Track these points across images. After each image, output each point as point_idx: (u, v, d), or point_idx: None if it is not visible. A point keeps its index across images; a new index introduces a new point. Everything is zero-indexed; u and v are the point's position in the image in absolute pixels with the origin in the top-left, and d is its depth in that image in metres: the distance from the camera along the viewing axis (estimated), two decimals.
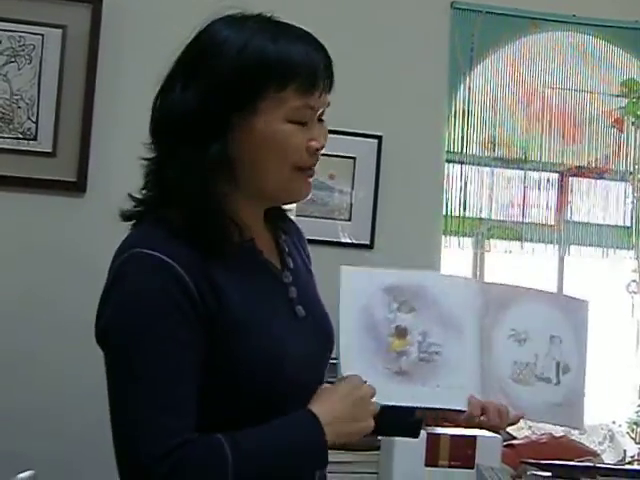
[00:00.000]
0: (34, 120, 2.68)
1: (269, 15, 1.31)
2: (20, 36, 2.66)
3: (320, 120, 1.31)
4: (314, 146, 1.28)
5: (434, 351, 1.45)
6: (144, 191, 1.30)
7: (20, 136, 2.67)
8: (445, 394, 1.44)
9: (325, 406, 1.26)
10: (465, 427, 1.49)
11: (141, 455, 1.14)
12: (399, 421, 1.49)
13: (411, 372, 1.43)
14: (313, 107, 1.27)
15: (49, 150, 2.68)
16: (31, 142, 2.67)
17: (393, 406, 1.38)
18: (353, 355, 1.41)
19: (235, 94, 1.23)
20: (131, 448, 1.16)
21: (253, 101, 1.24)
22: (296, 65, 1.25)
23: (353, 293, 1.46)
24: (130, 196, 1.30)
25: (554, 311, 1.54)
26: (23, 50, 2.67)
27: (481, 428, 1.47)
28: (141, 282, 1.20)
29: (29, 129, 2.67)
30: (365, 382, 1.31)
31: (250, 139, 1.25)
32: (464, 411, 1.43)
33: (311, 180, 1.33)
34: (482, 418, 1.42)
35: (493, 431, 2.29)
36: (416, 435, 1.57)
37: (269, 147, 1.26)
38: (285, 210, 1.44)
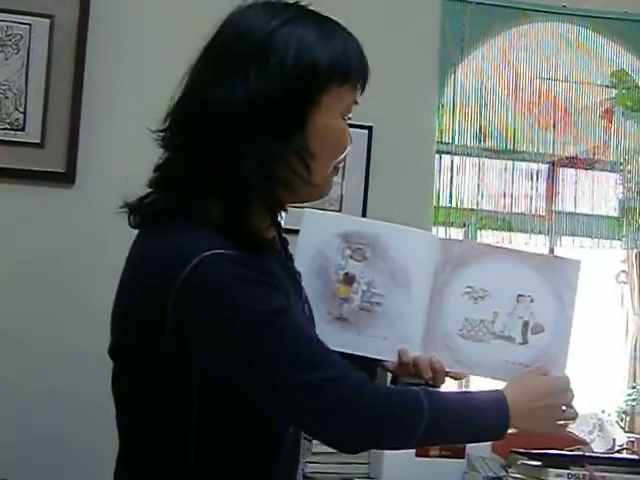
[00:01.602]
0: (22, 111, 2.66)
1: (307, 5, 1.31)
2: (7, 26, 2.63)
3: None
4: (350, 146, 1.31)
5: (376, 302, 1.48)
6: (162, 189, 1.25)
7: (8, 127, 2.64)
8: (376, 344, 1.47)
9: (518, 393, 1.32)
10: (396, 376, 1.51)
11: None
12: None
13: (350, 319, 1.47)
14: (357, 104, 1.30)
15: (37, 141, 2.66)
16: (19, 133, 2.65)
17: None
18: None
19: (306, 87, 1.22)
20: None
21: (319, 94, 1.23)
22: (354, 61, 1.27)
23: (311, 235, 1.48)
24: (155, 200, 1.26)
25: (526, 270, 1.51)
26: (10, 40, 2.64)
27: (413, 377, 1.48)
28: (222, 280, 1.16)
29: (17, 120, 2.66)
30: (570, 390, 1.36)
31: (311, 133, 1.24)
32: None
33: None
34: (413, 370, 1.45)
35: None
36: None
37: (327, 142, 1.26)
38: None
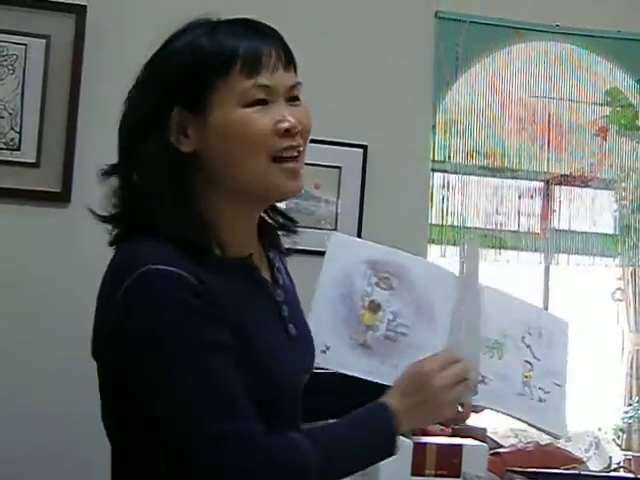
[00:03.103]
0: (17, 130, 2.66)
1: (217, 18, 1.29)
2: (3, 46, 2.64)
3: (293, 99, 1.25)
4: (282, 127, 1.21)
5: (401, 332, 1.46)
6: (116, 203, 1.28)
7: (3, 147, 2.65)
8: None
9: (399, 396, 1.27)
10: None
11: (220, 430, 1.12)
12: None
13: (374, 347, 1.45)
14: (268, 86, 1.21)
15: (33, 160, 2.66)
16: (15, 152, 2.66)
17: (368, 383, 1.39)
18: (323, 318, 1.42)
19: (184, 91, 1.21)
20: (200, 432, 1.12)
21: (204, 96, 1.21)
22: (232, 49, 1.21)
23: (338, 258, 1.47)
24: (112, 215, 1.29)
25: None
26: (6, 60, 2.65)
27: None
28: (162, 296, 1.14)
29: (12, 139, 2.66)
30: (448, 366, 1.30)
31: (212, 135, 1.21)
32: None
33: (297, 168, 1.24)
34: None
35: (479, 440, 2.29)
36: None
37: (231, 138, 1.20)
38: (273, 225, 1.40)
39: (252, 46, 1.21)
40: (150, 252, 1.17)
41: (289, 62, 1.25)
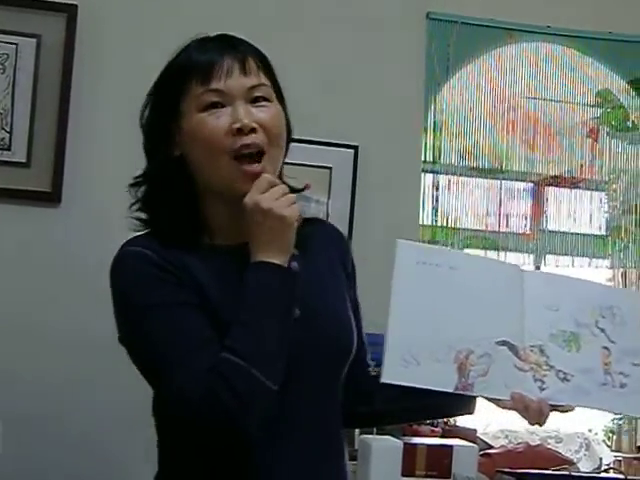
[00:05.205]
0: (8, 130, 2.66)
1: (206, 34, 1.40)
2: None
3: (257, 100, 1.34)
4: (234, 127, 1.30)
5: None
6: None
7: None
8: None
9: (256, 246, 1.30)
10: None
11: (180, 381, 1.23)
12: (450, 400, 1.43)
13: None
14: (220, 90, 1.32)
15: (23, 160, 2.66)
16: (5, 152, 2.65)
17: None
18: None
19: (167, 103, 1.35)
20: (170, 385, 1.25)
21: (178, 105, 1.34)
22: (193, 61, 1.34)
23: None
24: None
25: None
26: None
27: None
28: (127, 269, 1.32)
29: (3, 139, 2.65)
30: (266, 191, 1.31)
31: (185, 139, 1.34)
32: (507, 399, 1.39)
33: (255, 170, 1.30)
34: (523, 414, 1.39)
35: (470, 440, 2.30)
36: (472, 411, 1.50)
37: (194, 141, 1.33)
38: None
39: (209, 57, 1.34)
40: (131, 240, 1.34)
41: (249, 67, 1.34)
